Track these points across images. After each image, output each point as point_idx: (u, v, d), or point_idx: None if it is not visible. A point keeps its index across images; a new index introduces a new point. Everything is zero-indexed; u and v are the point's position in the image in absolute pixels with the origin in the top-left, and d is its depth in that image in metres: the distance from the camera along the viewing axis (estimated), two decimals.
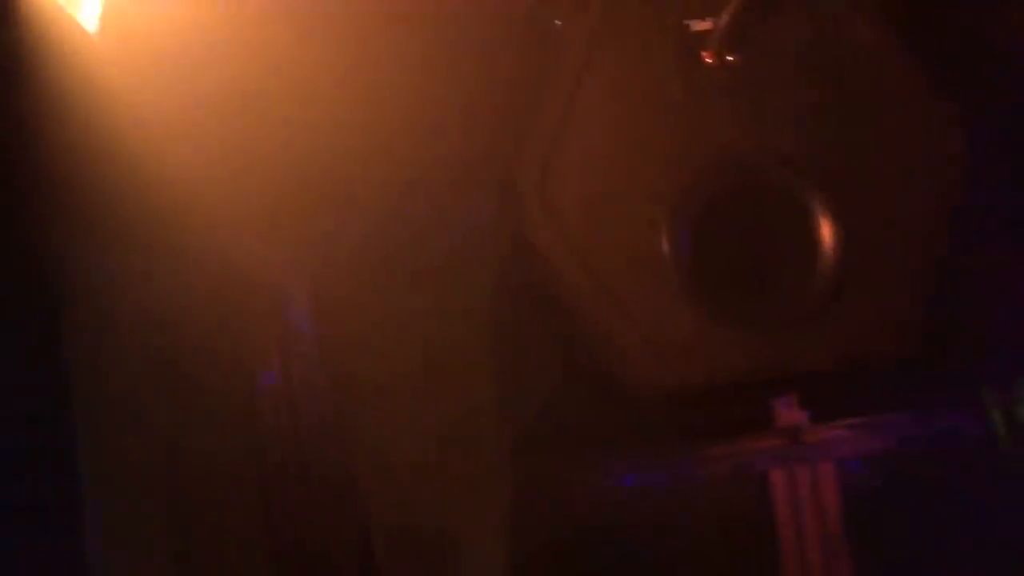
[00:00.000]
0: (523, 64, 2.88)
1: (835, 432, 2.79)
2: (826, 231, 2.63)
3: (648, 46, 2.74)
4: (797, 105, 2.68)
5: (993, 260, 2.81)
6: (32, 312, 2.76)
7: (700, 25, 2.69)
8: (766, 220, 2.70)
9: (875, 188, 2.67)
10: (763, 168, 2.70)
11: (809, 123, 2.67)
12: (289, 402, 3.02)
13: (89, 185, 2.52)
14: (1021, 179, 2.84)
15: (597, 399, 2.85)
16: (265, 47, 2.35)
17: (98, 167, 2.43)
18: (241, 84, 2.54)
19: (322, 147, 2.82)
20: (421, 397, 3.02)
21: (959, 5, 2.91)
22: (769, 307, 2.68)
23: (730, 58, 2.67)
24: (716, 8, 2.64)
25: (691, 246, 2.67)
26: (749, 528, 2.84)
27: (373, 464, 3.02)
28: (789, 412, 2.78)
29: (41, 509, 2.71)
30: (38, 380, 2.74)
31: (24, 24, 1.62)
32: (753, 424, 2.78)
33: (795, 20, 2.68)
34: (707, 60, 2.69)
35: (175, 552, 2.84)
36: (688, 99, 2.71)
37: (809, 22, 2.69)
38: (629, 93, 2.75)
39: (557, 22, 2.88)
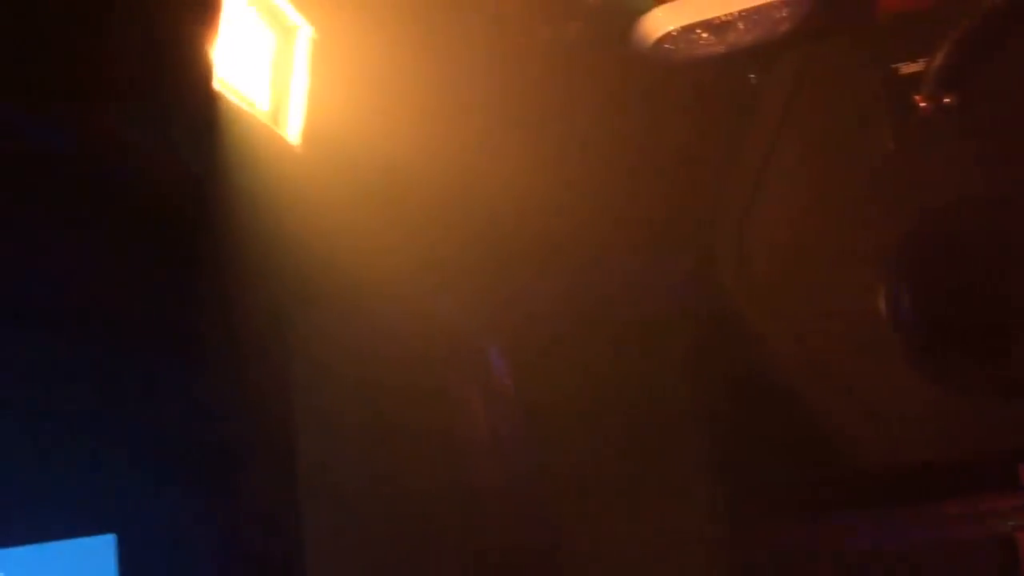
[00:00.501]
0: (717, 123, 2.77)
1: None
2: None
3: (852, 94, 2.55)
4: None
5: None
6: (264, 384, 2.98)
7: (910, 68, 2.48)
8: (998, 276, 2.43)
9: None
10: (993, 218, 2.44)
11: None
12: (495, 451, 3.10)
13: (303, 267, 2.69)
14: None
15: (819, 460, 2.67)
16: (462, 135, 2.39)
17: (308, 254, 2.58)
18: (438, 165, 2.60)
19: (519, 211, 2.85)
20: (622, 448, 2.99)
21: None
22: (1008, 372, 2.40)
23: (947, 100, 2.45)
24: (927, 49, 2.43)
25: (912, 307, 2.45)
26: None
27: (576, 513, 3.00)
28: None
29: None
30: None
31: (233, 142, 1.74)
32: (996, 481, 2.53)
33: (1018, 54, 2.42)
34: (920, 104, 2.47)
35: None
36: (901, 147, 2.51)
37: None
38: (833, 144, 2.58)
39: (751, 76, 2.76)
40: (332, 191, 2.07)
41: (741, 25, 2.41)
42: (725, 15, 2.37)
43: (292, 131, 1.78)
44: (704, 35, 2.43)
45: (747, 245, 2.67)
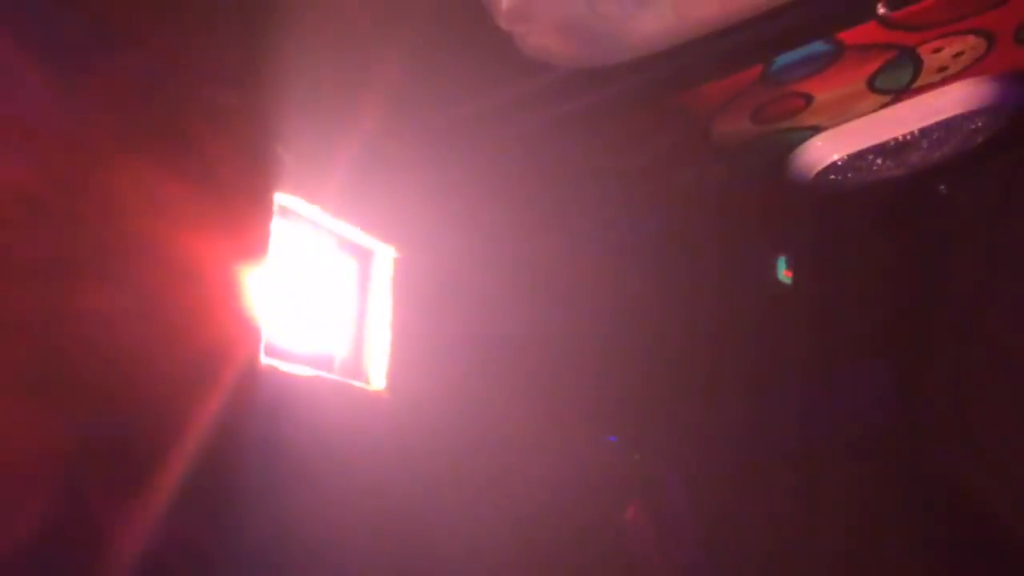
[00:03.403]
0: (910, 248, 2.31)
1: None
2: None
3: None
4: None
5: None
6: None
7: None
8: None
9: None
10: None
11: None
12: None
13: None
14: None
15: None
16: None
17: None
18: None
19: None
20: None
21: None
22: None
23: None
24: None
25: None
26: None
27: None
28: None
29: None
30: None
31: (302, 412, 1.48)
32: None
33: None
34: None
35: None
36: None
37: None
38: None
39: (941, 188, 2.27)
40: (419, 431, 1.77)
41: (925, 144, 1.94)
42: (903, 135, 1.91)
43: (376, 378, 1.50)
44: (878, 161, 1.98)
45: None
